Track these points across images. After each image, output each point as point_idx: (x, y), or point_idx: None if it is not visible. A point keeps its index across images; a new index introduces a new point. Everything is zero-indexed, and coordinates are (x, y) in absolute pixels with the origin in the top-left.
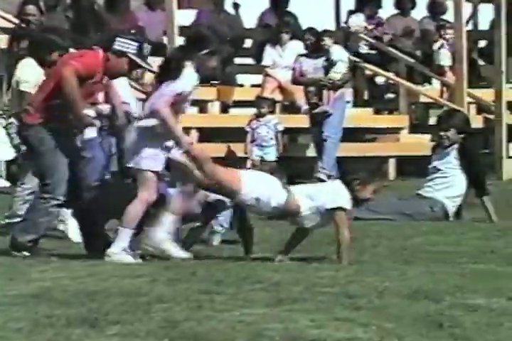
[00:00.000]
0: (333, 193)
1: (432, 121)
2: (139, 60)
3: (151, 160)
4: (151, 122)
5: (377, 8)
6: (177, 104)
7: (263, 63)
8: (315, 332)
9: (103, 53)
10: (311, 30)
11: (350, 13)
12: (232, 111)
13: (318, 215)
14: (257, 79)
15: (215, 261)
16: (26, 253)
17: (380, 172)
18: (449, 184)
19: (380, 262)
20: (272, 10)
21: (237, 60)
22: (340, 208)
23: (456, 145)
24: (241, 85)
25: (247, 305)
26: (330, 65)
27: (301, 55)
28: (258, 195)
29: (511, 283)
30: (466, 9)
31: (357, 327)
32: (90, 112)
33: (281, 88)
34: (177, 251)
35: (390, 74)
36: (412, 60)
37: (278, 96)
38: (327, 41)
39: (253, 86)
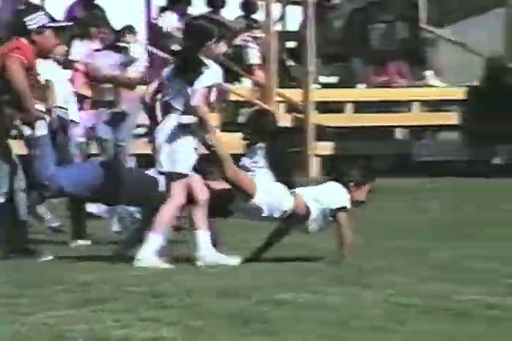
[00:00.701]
0: (335, 193)
1: (242, 119)
2: (60, 24)
3: (184, 163)
4: (192, 119)
5: (188, 5)
6: (207, 99)
7: (71, 57)
8: (120, 333)
9: (26, 41)
10: (108, 25)
11: (162, 9)
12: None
13: (322, 216)
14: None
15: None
16: None
17: (373, 172)
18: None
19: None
20: (80, 3)
21: None
22: (343, 208)
23: (263, 144)
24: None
25: (53, 307)
26: (129, 62)
27: (97, 50)
28: (270, 200)
29: (316, 278)
30: (276, 9)
31: (164, 327)
32: (40, 106)
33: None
34: (162, 263)
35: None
36: (221, 58)
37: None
38: (128, 38)
39: None
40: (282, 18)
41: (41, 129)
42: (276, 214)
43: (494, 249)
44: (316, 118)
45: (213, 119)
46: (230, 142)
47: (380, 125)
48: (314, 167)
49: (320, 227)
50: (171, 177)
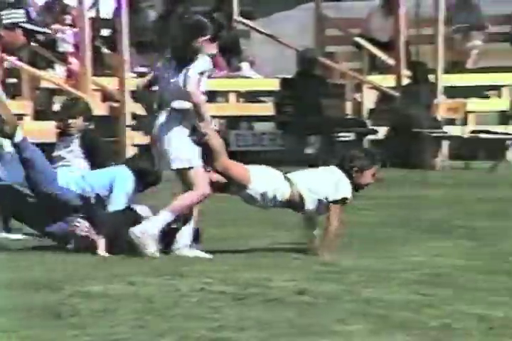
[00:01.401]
0: (335, 184)
1: (56, 107)
2: (32, 27)
3: (189, 156)
4: (186, 105)
5: None
6: (199, 86)
7: None
8: None
9: None
10: None
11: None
12: None
13: (319, 205)
14: None
15: None
16: None
17: (375, 155)
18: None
19: None
20: None
21: None
22: (341, 199)
23: (79, 134)
24: None
25: None
26: None
27: None
28: (264, 189)
29: (128, 269)
30: None
31: None
32: None
33: None
34: (153, 251)
35: (12, 58)
36: (35, 44)
37: None
38: None
39: None
40: (95, 4)
41: None
42: (270, 203)
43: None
44: (132, 107)
45: (26, 108)
46: (43, 131)
47: None
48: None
49: (318, 214)
50: (185, 173)
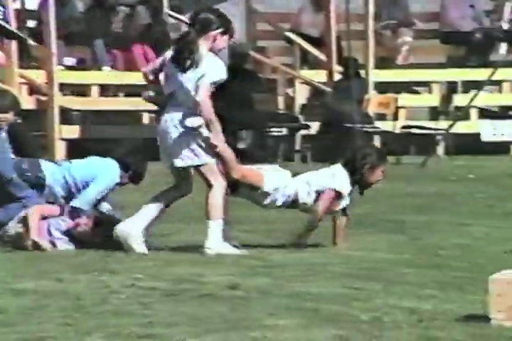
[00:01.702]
0: (332, 176)
1: None
2: (7, 26)
3: (204, 152)
4: (198, 122)
5: None
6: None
7: None
8: None
9: None
10: None
11: None
12: None
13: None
14: None
15: None
16: None
17: (385, 154)
18: None
19: None
20: None
21: None
22: (332, 190)
23: (6, 127)
24: None
25: None
26: None
27: None
28: (276, 188)
29: (58, 266)
30: None
31: None
32: None
33: None
34: (141, 247)
35: None
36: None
37: None
38: None
39: None
40: None
41: None
42: (279, 203)
43: (238, 232)
44: (60, 100)
45: None
46: None
47: (128, 109)
48: (60, 151)
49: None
50: (197, 170)
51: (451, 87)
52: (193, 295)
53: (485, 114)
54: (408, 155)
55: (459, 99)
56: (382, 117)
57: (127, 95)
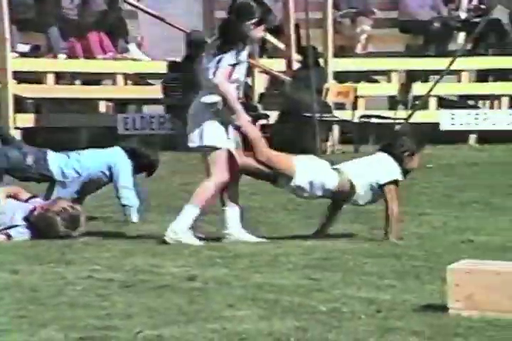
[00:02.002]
0: (384, 166)
1: None
2: None
3: (213, 136)
4: (215, 99)
5: None
6: (232, 76)
7: None
8: None
9: None
10: None
11: None
12: None
13: (371, 192)
14: None
15: None
16: None
17: (423, 140)
18: None
19: None
20: None
21: None
22: (393, 181)
23: None
24: None
25: None
26: None
27: None
28: (311, 178)
29: (13, 257)
30: None
31: None
32: None
33: None
34: (197, 244)
35: None
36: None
37: None
38: None
39: None
40: None
41: None
42: (319, 193)
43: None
44: (15, 88)
45: None
46: None
47: (84, 97)
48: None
49: (368, 201)
50: (204, 153)
51: (411, 76)
52: (150, 286)
53: (444, 103)
54: (367, 145)
55: (418, 88)
56: (341, 106)
57: (84, 83)
